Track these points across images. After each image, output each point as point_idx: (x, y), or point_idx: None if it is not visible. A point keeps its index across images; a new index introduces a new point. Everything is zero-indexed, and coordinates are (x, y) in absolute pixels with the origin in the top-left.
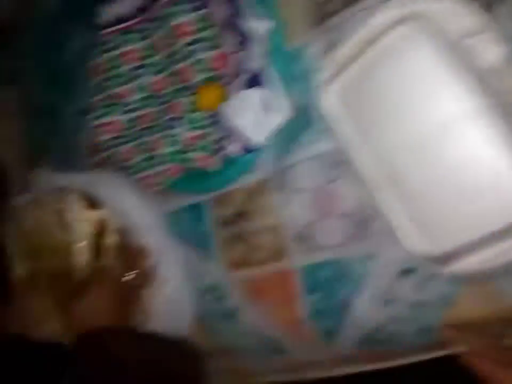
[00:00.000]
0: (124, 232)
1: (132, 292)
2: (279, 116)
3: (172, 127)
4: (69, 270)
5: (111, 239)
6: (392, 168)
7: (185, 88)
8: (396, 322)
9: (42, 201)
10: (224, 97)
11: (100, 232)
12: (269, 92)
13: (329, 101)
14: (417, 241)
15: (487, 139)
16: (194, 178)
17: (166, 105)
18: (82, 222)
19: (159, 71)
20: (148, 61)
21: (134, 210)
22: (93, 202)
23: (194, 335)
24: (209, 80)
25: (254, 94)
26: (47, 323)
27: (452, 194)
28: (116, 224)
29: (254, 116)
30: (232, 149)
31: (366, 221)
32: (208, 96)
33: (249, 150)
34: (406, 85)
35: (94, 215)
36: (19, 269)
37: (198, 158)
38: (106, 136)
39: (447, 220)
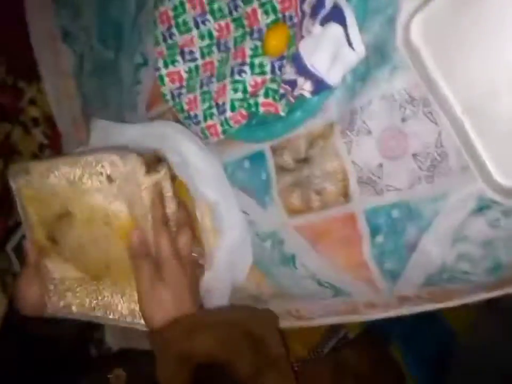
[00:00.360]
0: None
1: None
2: (355, 54)
3: (237, 74)
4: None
5: (170, 209)
6: (472, 101)
7: (251, 32)
8: (466, 261)
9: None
10: (292, 40)
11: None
12: (344, 28)
13: (414, 34)
14: (495, 175)
15: None
16: (258, 125)
17: (231, 51)
18: (142, 190)
19: (224, 16)
20: (212, 6)
21: (195, 160)
22: (150, 164)
23: (253, 281)
24: (276, 22)
25: (330, 31)
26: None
27: None
28: (172, 187)
29: (331, 53)
30: (302, 91)
31: (436, 161)
32: (276, 39)
33: (319, 91)
34: (494, 19)
35: (151, 180)
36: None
37: (264, 104)
38: (169, 87)
39: None
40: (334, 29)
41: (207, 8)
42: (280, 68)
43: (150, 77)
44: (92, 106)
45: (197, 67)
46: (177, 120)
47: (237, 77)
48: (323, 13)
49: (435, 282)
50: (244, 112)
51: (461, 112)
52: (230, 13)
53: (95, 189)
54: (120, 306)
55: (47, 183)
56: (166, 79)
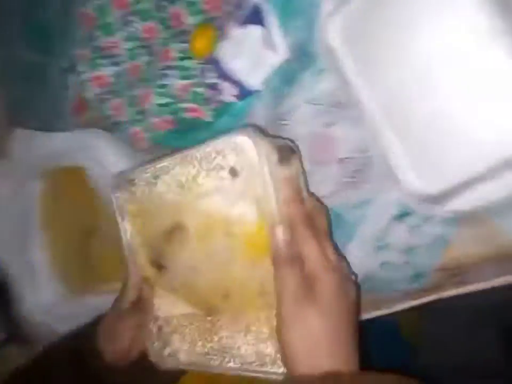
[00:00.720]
0: None
1: None
2: (277, 56)
3: (162, 77)
4: None
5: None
6: (393, 105)
7: (177, 34)
8: (389, 269)
9: None
10: (218, 41)
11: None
12: (266, 29)
13: (331, 36)
14: (415, 181)
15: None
16: (184, 132)
17: (157, 54)
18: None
19: (150, 17)
20: (137, 7)
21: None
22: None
23: None
24: (203, 23)
25: (250, 33)
26: None
27: (449, 129)
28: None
29: (251, 56)
30: (226, 95)
31: (361, 167)
32: (202, 41)
33: (243, 95)
34: (412, 15)
35: (289, 171)
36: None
37: (190, 109)
38: (94, 91)
39: (444, 157)
40: (254, 30)
41: (132, 8)
42: (207, 70)
43: (77, 81)
44: (20, 115)
45: (122, 71)
46: (105, 127)
47: (163, 81)
48: (243, 14)
49: (362, 291)
50: (169, 118)
51: (380, 117)
52: (157, 14)
53: (214, 189)
54: (244, 349)
55: (154, 193)
56: (91, 84)
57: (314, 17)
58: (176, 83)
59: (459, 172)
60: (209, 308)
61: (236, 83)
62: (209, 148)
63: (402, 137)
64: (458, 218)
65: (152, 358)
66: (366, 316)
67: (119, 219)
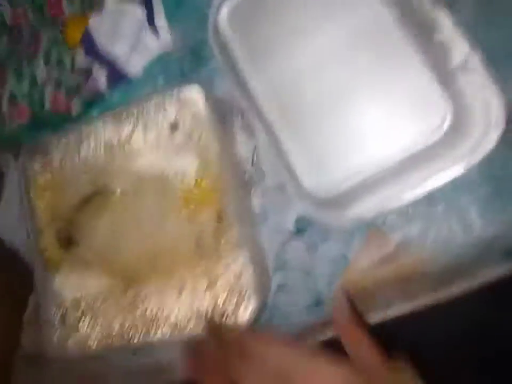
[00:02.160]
0: None
1: None
2: (158, 42)
3: (25, 62)
4: None
5: None
6: (282, 102)
7: (52, 21)
8: (287, 292)
9: None
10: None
11: None
12: (149, 12)
13: (220, 26)
14: (312, 183)
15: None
16: (42, 127)
17: (23, 39)
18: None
19: (22, 3)
20: None
21: None
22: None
23: None
24: (80, 12)
25: (130, 11)
26: None
27: (339, 132)
28: None
29: (129, 38)
30: (96, 82)
31: (253, 181)
32: (77, 31)
33: (116, 83)
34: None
35: None
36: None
37: (53, 100)
38: None
39: (338, 161)
40: (136, 10)
41: None
42: (78, 60)
43: None
44: None
45: None
46: None
47: (25, 66)
48: None
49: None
50: (25, 106)
51: (273, 117)
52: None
53: (150, 145)
54: (175, 313)
55: (73, 159)
56: None
57: (206, 18)
58: (43, 71)
59: (351, 176)
60: (131, 279)
61: (110, 66)
62: (148, 103)
63: (293, 137)
64: (357, 234)
65: (51, 352)
66: None
67: (24, 197)
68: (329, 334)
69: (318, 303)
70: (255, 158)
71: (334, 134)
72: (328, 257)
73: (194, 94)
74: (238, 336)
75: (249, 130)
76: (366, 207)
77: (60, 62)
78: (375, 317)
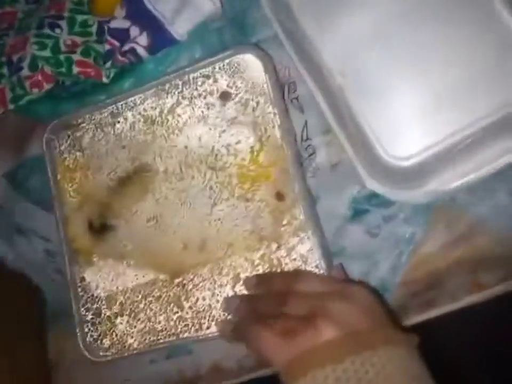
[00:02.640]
0: None
1: None
2: (209, 3)
3: (47, 27)
4: None
5: None
6: (350, 61)
7: None
8: None
9: None
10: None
11: None
12: None
13: None
14: (387, 155)
15: None
16: (68, 98)
17: (44, 2)
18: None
19: None
20: None
21: None
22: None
23: None
24: None
25: None
26: None
27: (416, 97)
28: None
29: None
30: (134, 46)
31: (303, 159)
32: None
33: (159, 48)
34: None
35: None
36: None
37: (80, 63)
38: None
39: (416, 129)
40: None
41: None
42: (110, 31)
43: None
44: None
45: None
46: None
47: (47, 31)
48: None
49: None
50: (49, 71)
51: (341, 83)
52: None
53: (197, 119)
54: None
55: (108, 136)
56: None
57: None
58: (67, 37)
59: (429, 145)
60: (177, 268)
61: (154, 28)
62: (195, 70)
63: (363, 99)
64: (424, 213)
65: (86, 354)
66: None
67: (52, 180)
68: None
69: (380, 289)
70: (304, 135)
71: (410, 100)
72: (391, 240)
73: (250, 59)
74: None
75: (299, 105)
76: (444, 180)
77: (85, 25)
78: (440, 309)
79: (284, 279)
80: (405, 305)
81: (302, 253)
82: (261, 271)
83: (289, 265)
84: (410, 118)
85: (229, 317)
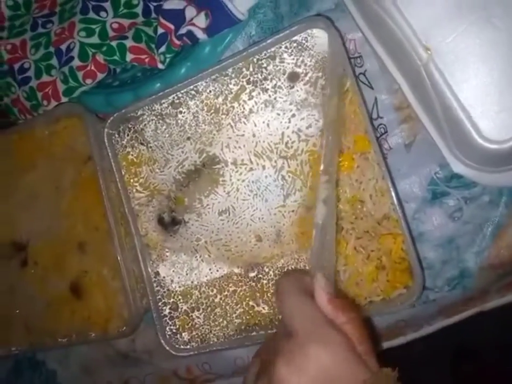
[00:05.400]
0: None
1: None
2: None
3: (92, 11)
4: None
5: None
6: (439, 38)
7: None
8: (426, 268)
9: None
10: None
11: None
12: None
13: None
14: (479, 134)
15: None
16: (122, 87)
17: None
18: None
19: None
20: None
21: None
22: None
23: None
24: None
25: None
26: None
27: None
28: None
29: None
30: (191, 28)
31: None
32: None
33: (218, 29)
34: None
35: None
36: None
37: (133, 49)
38: None
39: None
40: None
41: None
42: (157, 10)
43: None
44: None
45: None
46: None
47: (92, 15)
48: None
49: None
50: (101, 60)
51: (424, 53)
52: None
53: (264, 104)
54: None
55: (171, 126)
56: None
57: None
58: (112, 20)
59: None
60: (252, 260)
61: (213, 7)
62: (261, 54)
63: (451, 78)
64: (509, 193)
65: (166, 348)
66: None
67: (118, 179)
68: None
69: (463, 275)
70: (375, 112)
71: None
72: (475, 223)
73: (318, 33)
74: None
75: (367, 80)
76: None
77: (129, 6)
78: None
79: None
80: (486, 289)
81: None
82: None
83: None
84: (506, 97)
85: None
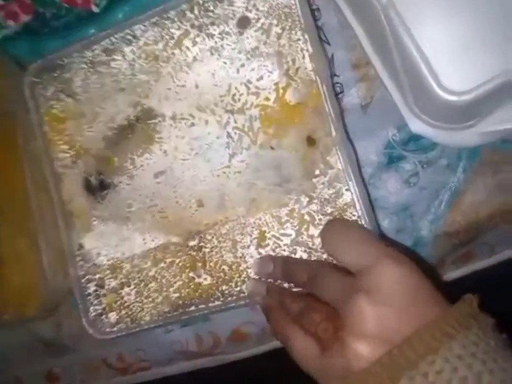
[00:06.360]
0: None
1: None
2: None
3: None
4: None
5: None
6: None
7: None
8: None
9: None
10: None
11: None
12: None
13: None
14: (442, 87)
15: None
16: (51, 34)
17: None
18: None
19: None
20: None
21: None
22: None
23: None
24: None
25: None
26: None
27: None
28: None
29: None
30: None
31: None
32: None
33: None
34: None
35: None
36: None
37: None
38: None
39: (477, 53)
40: None
41: None
42: None
43: None
44: None
45: None
46: None
47: None
48: None
49: None
50: (27, 1)
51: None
52: None
53: (210, 51)
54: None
55: (103, 76)
56: None
57: None
58: None
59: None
60: (192, 228)
61: None
62: None
63: (419, 27)
64: (468, 157)
65: (90, 331)
66: None
67: (38, 132)
68: None
69: (417, 244)
70: (331, 70)
71: (472, 22)
72: (431, 189)
73: None
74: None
75: (324, 35)
76: (500, 119)
77: None
78: (479, 263)
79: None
80: (442, 259)
81: (339, 206)
82: (289, 228)
83: (323, 221)
84: (471, 44)
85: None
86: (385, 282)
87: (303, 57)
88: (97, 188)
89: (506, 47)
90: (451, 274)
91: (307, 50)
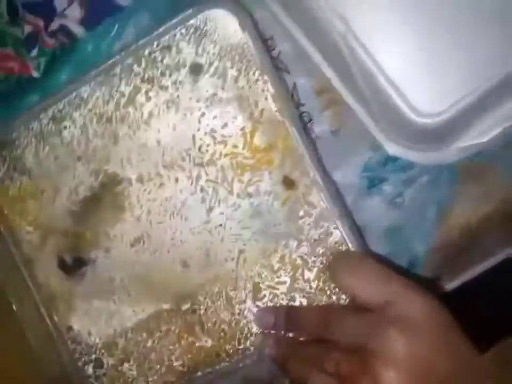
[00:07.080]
0: None
1: None
2: None
3: None
4: None
5: None
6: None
7: None
8: None
9: None
10: None
11: None
12: None
13: None
14: (414, 110)
15: None
16: None
17: None
18: None
19: None
20: None
21: None
22: None
23: None
24: None
25: None
26: None
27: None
28: None
29: None
30: (65, 22)
31: None
32: None
33: (100, 20)
34: None
35: None
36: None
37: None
38: None
39: (445, 75)
40: None
41: None
42: (27, 7)
43: None
44: None
45: None
46: None
47: None
48: None
49: None
50: None
51: (340, 22)
52: None
53: (165, 105)
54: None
55: (55, 147)
56: None
57: None
58: None
59: (463, 95)
60: (181, 291)
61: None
62: (152, 45)
63: (384, 53)
64: (448, 173)
65: None
66: None
67: None
68: None
69: (413, 264)
70: (295, 100)
71: (434, 45)
72: (417, 207)
73: (219, 14)
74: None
75: (283, 64)
76: (474, 135)
77: None
78: (475, 269)
79: (315, 316)
80: (437, 274)
81: (331, 245)
82: (283, 276)
83: (316, 263)
84: (434, 63)
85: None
86: (417, 314)
87: (266, 98)
88: (74, 266)
89: (475, 66)
90: (451, 285)
91: (268, 90)
